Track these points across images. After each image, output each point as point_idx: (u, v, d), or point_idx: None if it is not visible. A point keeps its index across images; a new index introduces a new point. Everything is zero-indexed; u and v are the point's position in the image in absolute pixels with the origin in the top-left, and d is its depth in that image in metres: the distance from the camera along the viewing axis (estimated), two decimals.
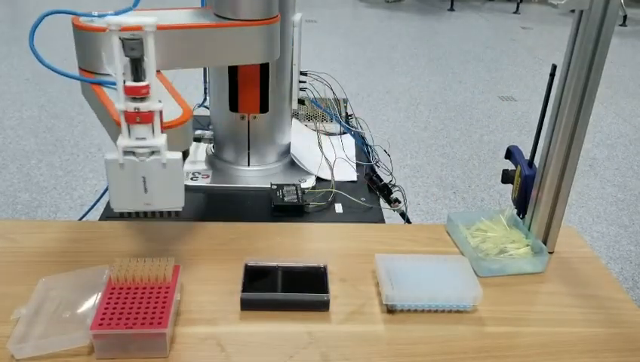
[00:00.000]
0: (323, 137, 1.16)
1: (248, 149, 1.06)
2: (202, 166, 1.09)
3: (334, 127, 1.25)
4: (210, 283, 0.77)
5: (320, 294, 0.73)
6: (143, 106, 0.59)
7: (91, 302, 0.70)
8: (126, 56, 0.58)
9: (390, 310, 0.74)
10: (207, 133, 1.16)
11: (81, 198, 2.03)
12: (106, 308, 0.66)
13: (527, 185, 0.89)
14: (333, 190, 1.02)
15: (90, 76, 0.80)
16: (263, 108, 1.02)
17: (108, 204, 0.99)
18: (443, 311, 0.75)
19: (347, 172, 1.10)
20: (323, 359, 0.67)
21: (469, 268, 0.79)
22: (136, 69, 0.59)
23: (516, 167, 0.92)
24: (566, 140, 0.80)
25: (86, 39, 0.79)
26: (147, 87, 0.59)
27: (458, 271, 0.78)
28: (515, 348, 0.70)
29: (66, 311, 0.69)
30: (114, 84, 0.71)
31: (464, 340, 0.71)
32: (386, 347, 0.69)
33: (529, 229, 0.88)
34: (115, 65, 0.58)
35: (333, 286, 0.76)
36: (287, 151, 1.12)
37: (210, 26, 0.86)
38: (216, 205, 1.01)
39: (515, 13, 5.14)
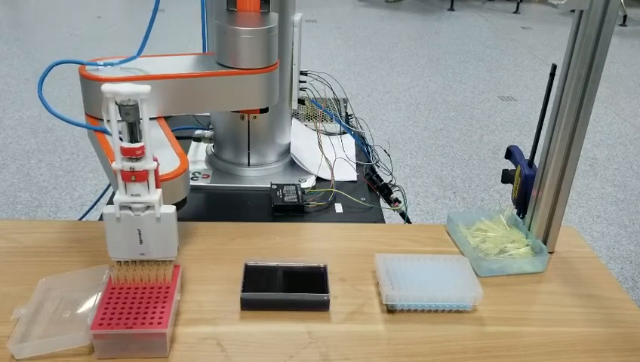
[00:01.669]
0: (323, 137, 1.16)
1: (248, 149, 1.06)
2: (202, 166, 1.09)
3: (334, 127, 1.25)
4: (210, 283, 0.77)
5: (320, 294, 0.73)
6: (138, 166, 0.63)
7: (91, 302, 0.70)
8: (122, 120, 0.62)
9: (390, 310, 0.74)
10: (207, 133, 1.16)
11: (81, 198, 2.03)
12: (106, 308, 0.66)
13: (527, 185, 0.89)
14: (333, 190, 1.02)
15: (96, 122, 0.84)
16: (263, 108, 1.02)
17: (108, 203, 0.99)
18: (443, 311, 0.75)
19: (347, 172, 1.10)
20: (323, 359, 0.67)
21: (469, 268, 0.79)
22: (132, 130, 0.63)
23: (516, 166, 0.92)
24: (566, 140, 0.80)
25: (91, 87, 0.83)
26: (142, 148, 0.63)
27: (458, 271, 0.78)
28: (515, 348, 0.70)
29: (66, 311, 0.69)
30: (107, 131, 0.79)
31: (464, 340, 0.71)
32: (386, 347, 0.69)
33: (529, 229, 0.88)
34: (112, 128, 0.61)
35: (333, 286, 0.76)
36: (287, 151, 1.12)
37: (211, 74, 0.88)
38: (216, 205, 1.01)
39: (515, 13, 5.14)
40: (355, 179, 1.09)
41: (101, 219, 0.95)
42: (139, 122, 0.62)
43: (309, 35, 4.04)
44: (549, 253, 0.86)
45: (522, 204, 0.90)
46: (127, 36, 3.90)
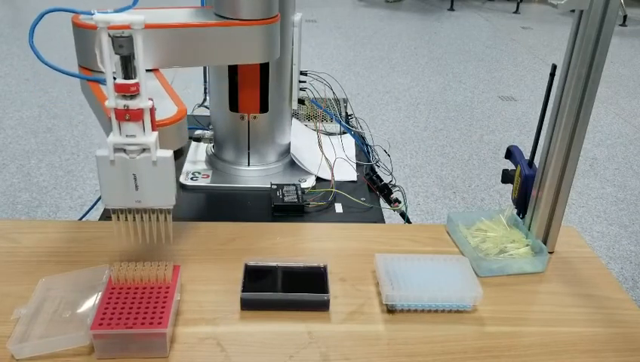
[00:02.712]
0: (323, 137, 1.16)
1: (248, 149, 1.06)
2: (202, 166, 1.09)
3: (334, 127, 1.25)
4: (210, 283, 0.77)
5: (320, 294, 0.73)
6: (133, 104, 0.60)
7: (91, 302, 0.70)
8: (115, 53, 0.59)
9: (390, 310, 0.74)
10: (207, 133, 1.16)
11: (81, 198, 2.03)
12: (106, 308, 0.66)
13: (527, 185, 0.89)
14: (333, 190, 1.02)
15: (89, 74, 0.80)
16: (263, 108, 1.02)
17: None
18: (443, 311, 0.75)
19: (347, 172, 1.10)
20: (323, 359, 0.67)
21: (469, 268, 0.79)
22: (126, 66, 0.60)
23: (516, 166, 0.92)
24: (566, 140, 0.80)
25: (84, 37, 0.79)
26: (136, 84, 0.60)
27: (458, 271, 0.78)
28: (515, 348, 0.70)
29: (66, 311, 0.69)
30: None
31: (464, 340, 0.71)
32: (386, 347, 0.69)
33: (529, 229, 0.88)
34: (105, 62, 0.58)
35: (333, 286, 0.76)
36: (287, 151, 1.12)
37: (209, 25, 0.86)
38: (217, 205, 1.01)
39: (515, 13, 5.14)
40: (355, 179, 1.09)
41: (101, 219, 0.95)
42: (133, 57, 0.59)
43: (309, 35, 4.04)
44: (549, 253, 0.86)
45: (522, 204, 0.90)
46: None
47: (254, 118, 1.03)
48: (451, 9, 5.11)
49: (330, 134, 1.22)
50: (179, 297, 0.73)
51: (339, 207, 1.01)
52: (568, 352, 0.70)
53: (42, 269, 0.76)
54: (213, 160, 1.10)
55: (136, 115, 0.61)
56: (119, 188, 0.64)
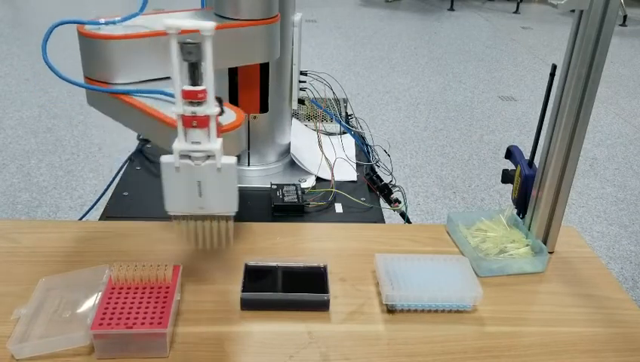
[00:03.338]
0: (323, 137, 1.16)
1: (248, 149, 1.06)
2: None
3: (334, 127, 1.25)
4: (210, 283, 0.77)
5: (320, 294, 0.73)
6: (200, 110, 0.60)
7: (91, 302, 0.70)
8: (183, 60, 0.58)
9: (390, 310, 0.74)
10: None
11: (81, 198, 2.03)
12: (106, 308, 0.66)
13: (527, 185, 0.89)
14: (333, 190, 1.02)
15: (96, 84, 0.78)
16: (263, 108, 1.02)
17: (108, 203, 0.99)
18: (443, 311, 0.75)
19: (347, 172, 1.10)
20: (323, 359, 0.67)
21: (469, 268, 0.79)
22: (193, 72, 0.59)
23: (516, 166, 0.92)
24: (566, 140, 0.80)
25: (93, 47, 0.77)
26: (204, 91, 0.59)
27: (458, 271, 0.78)
28: (515, 348, 0.70)
29: (66, 311, 0.69)
30: (148, 92, 0.73)
31: (464, 340, 0.71)
32: (386, 347, 0.69)
33: (529, 229, 0.88)
34: (173, 68, 0.58)
35: (333, 286, 0.76)
36: (287, 151, 1.12)
37: (224, 26, 0.84)
38: None
39: (515, 13, 5.14)
40: (355, 179, 1.09)
41: (101, 218, 0.95)
42: (200, 64, 0.59)
43: (309, 35, 4.04)
44: (549, 253, 0.86)
45: (522, 204, 0.90)
46: None
47: (254, 118, 1.03)
48: (451, 9, 5.11)
49: (330, 134, 1.22)
50: (179, 297, 0.73)
51: (339, 207, 1.01)
52: (568, 352, 0.70)
53: (42, 269, 0.76)
54: None
55: (203, 122, 0.60)
56: (183, 195, 0.64)
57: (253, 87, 1.00)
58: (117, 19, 0.79)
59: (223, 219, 0.68)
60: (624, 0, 4.66)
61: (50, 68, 0.75)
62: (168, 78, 0.80)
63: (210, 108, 0.60)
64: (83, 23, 0.77)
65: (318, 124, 1.24)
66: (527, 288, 0.81)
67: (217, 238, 0.69)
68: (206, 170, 0.62)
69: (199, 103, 0.60)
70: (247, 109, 1.02)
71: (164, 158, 0.62)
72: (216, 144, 0.62)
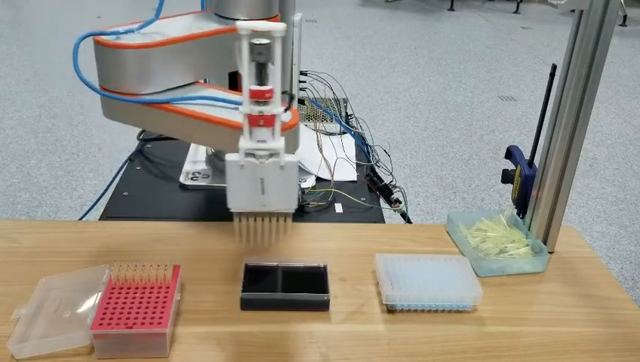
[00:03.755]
0: (323, 137, 1.16)
1: None
2: (202, 166, 1.09)
3: (334, 127, 1.25)
4: (210, 283, 0.77)
5: (320, 294, 0.73)
6: (267, 110, 0.61)
7: (91, 302, 0.70)
8: (252, 60, 0.59)
9: (390, 310, 0.74)
10: None
11: (81, 198, 2.03)
12: (106, 308, 0.66)
13: (527, 185, 0.89)
14: (333, 190, 1.02)
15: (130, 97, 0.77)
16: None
17: (108, 203, 0.99)
18: (443, 311, 0.75)
19: (347, 172, 1.10)
20: (323, 359, 0.67)
21: (469, 268, 0.79)
22: (261, 72, 0.60)
23: (516, 166, 0.92)
24: (566, 140, 0.80)
25: (112, 56, 0.75)
26: (271, 91, 0.60)
27: (458, 271, 0.78)
28: (515, 348, 0.70)
29: (66, 311, 0.69)
30: (190, 99, 0.74)
31: (464, 340, 0.71)
32: (386, 347, 0.69)
33: (529, 229, 0.88)
34: (243, 68, 0.59)
35: (333, 286, 0.76)
36: None
37: (225, 30, 0.84)
38: (217, 205, 1.01)
39: (515, 13, 5.14)
40: (355, 179, 1.09)
41: (101, 218, 0.95)
42: (267, 64, 0.60)
43: (309, 35, 4.04)
44: (549, 253, 0.86)
45: (522, 204, 0.90)
46: None
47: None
48: (451, 9, 5.11)
49: (330, 134, 1.22)
50: (179, 297, 0.73)
51: (339, 207, 1.01)
52: (568, 352, 0.70)
53: (42, 269, 0.76)
54: (213, 160, 1.10)
55: (269, 121, 0.61)
56: (245, 192, 0.65)
57: None
58: (135, 26, 0.77)
59: (282, 216, 0.69)
60: (624, 0, 4.66)
61: (86, 83, 0.75)
62: (190, 84, 0.80)
63: (277, 107, 0.61)
64: (105, 34, 0.76)
65: (318, 124, 1.24)
66: (527, 288, 0.81)
67: (275, 234, 0.70)
68: (269, 167, 0.63)
69: (265, 103, 0.61)
70: None
71: (229, 156, 0.63)
72: (280, 142, 0.63)
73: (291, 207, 0.67)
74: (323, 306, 0.74)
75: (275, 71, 0.60)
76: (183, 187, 1.03)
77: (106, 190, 1.08)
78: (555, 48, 4.16)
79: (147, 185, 1.04)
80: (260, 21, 0.58)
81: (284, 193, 0.65)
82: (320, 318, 0.73)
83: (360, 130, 1.24)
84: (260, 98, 0.60)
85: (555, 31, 4.64)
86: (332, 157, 1.10)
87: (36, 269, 0.77)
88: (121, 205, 0.98)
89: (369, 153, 1.17)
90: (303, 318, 0.72)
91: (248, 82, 0.60)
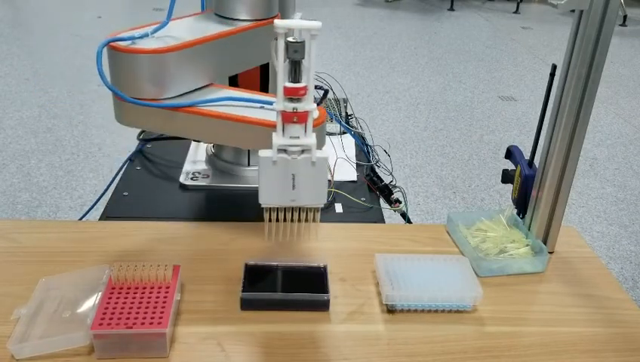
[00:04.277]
0: None
1: (248, 149, 1.06)
2: (202, 166, 1.09)
3: (334, 127, 1.25)
4: (210, 283, 0.77)
5: (320, 294, 0.73)
6: (300, 107, 0.62)
7: (91, 302, 0.70)
8: (288, 57, 0.60)
9: (390, 310, 0.74)
10: None
11: (81, 198, 2.03)
12: (106, 308, 0.66)
13: (527, 185, 0.89)
14: (333, 190, 1.02)
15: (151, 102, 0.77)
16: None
17: (108, 203, 0.99)
18: (443, 311, 0.75)
19: (347, 172, 1.10)
20: (323, 359, 0.67)
21: (469, 268, 0.79)
22: (295, 70, 0.61)
23: (516, 166, 0.92)
24: (566, 140, 0.80)
25: (128, 62, 0.74)
26: (305, 88, 0.61)
27: (458, 271, 0.78)
28: (515, 348, 0.70)
29: (66, 311, 0.69)
30: (215, 100, 0.75)
31: (464, 340, 0.71)
32: (386, 347, 0.69)
33: (529, 229, 0.88)
34: (279, 66, 0.60)
35: (333, 286, 0.76)
36: None
37: (244, 29, 0.84)
38: (217, 205, 1.01)
39: (515, 13, 5.14)
40: (355, 179, 1.09)
41: (101, 218, 0.95)
42: (302, 62, 0.61)
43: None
44: (549, 253, 0.86)
45: (522, 204, 0.90)
46: None
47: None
48: (451, 9, 5.10)
49: (330, 134, 1.22)
50: (179, 297, 0.73)
51: (339, 207, 1.01)
52: (568, 352, 0.70)
53: (42, 269, 0.76)
54: (213, 160, 1.10)
55: (302, 117, 0.62)
56: (277, 187, 0.66)
57: (253, 87, 1.00)
58: (149, 30, 0.77)
59: (311, 211, 0.70)
60: (624, 0, 4.65)
61: (112, 89, 0.75)
62: (206, 86, 0.81)
63: (309, 104, 0.62)
64: (122, 40, 0.75)
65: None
66: (527, 288, 0.81)
67: (304, 229, 0.71)
68: (301, 163, 0.64)
69: (299, 100, 0.62)
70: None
71: (263, 153, 0.64)
72: (312, 138, 0.64)
73: (321, 202, 0.68)
74: (323, 306, 0.74)
75: (308, 68, 0.61)
76: (183, 187, 1.03)
77: (106, 190, 1.08)
78: (555, 48, 4.16)
79: (147, 185, 1.04)
80: (296, 20, 0.58)
81: (315, 188, 0.67)
82: (320, 318, 0.73)
83: (360, 130, 1.24)
84: (294, 95, 0.61)
85: (555, 31, 4.64)
86: (332, 158, 1.10)
87: (36, 269, 0.77)
88: (121, 205, 0.98)
89: (369, 153, 1.17)
90: (303, 318, 0.72)
91: (283, 79, 0.61)
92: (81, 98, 2.81)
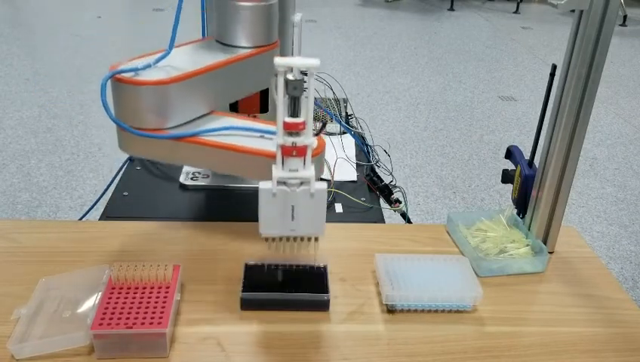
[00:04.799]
0: (323, 137, 1.16)
1: None
2: None
3: (334, 127, 1.25)
4: (210, 283, 0.77)
5: (320, 294, 0.73)
6: (299, 141, 0.63)
7: (91, 301, 0.70)
8: (287, 94, 0.62)
9: (390, 310, 0.74)
10: None
11: (81, 198, 2.03)
12: (106, 308, 0.66)
13: (527, 185, 0.89)
14: (334, 190, 1.02)
15: (155, 132, 0.77)
16: (263, 108, 1.02)
17: (108, 203, 0.99)
18: (443, 311, 0.75)
19: (347, 172, 1.10)
20: (323, 359, 0.67)
21: (469, 268, 0.79)
22: (294, 105, 0.63)
23: (516, 166, 0.92)
24: (566, 140, 0.80)
25: (132, 94, 0.74)
26: (304, 123, 0.63)
27: (458, 271, 0.78)
28: (515, 348, 0.70)
29: (66, 311, 0.69)
30: (218, 130, 0.76)
31: (464, 340, 0.71)
32: (386, 347, 0.69)
33: (529, 229, 0.88)
34: (279, 102, 0.62)
35: (333, 286, 0.76)
36: None
37: (244, 56, 0.85)
38: (216, 205, 1.01)
39: (515, 13, 5.14)
40: (355, 179, 1.09)
41: (101, 218, 0.95)
42: (300, 98, 0.63)
43: (309, 35, 4.04)
44: (549, 253, 0.86)
45: (522, 204, 0.90)
46: (127, 36, 3.90)
47: (254, 118, 1.03)
48: (451, 9, 5.11)
49: (330, 134, 1.22)
50: (179, 297, 0.73)
51: (339, 207, 1.01)
52: (568, 352, 0.70)
53: (42, 269, 0.76)
54: None
55: (301, 151, 0.64)
56: (277, 218, 0.67)
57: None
58: (151, 60, 0.77)
59: (310, 240, 0.72)
60: (624, 0, 4.66)
61: (117, 123, 0.75)
62: (206, 114, 0.82)
63: (308, 138, 0.64)
64: (125, 71, 0.75)
65: (318, 124, 1.24)
66: (527, 288, 0.81)
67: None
68: (300, 195, 0.66)
69: (298, 134, 0.63)
70: (248, 110, 1.02)
71: (263, 185, 0.66)
72: (310, 171, 0.66)
73: (320, 232, 0.70)
74: (323, 306, 0.74)
75: (307, 103, 0.63)
76: (183, 187, 1.03)
77: (106, 190, 1.08)
78: (555, 48, 4.16)
79: (147, 185, 1.04)
80: (296, 57, 0.61)
81: (314, 219, 0.68)
82: (320, 318, 0.73)
83: (360, 130, 1.24)
84: (293, 130, 0.63)
85: (555, 31, 4.64)
86: (332, 158, 1.10)
87: (36, 269, 0.77)
88: (121, 205, 0.98)
89: (369, 153, 1.17)
90: (303, 318, 0.72)
91: (283, 114, 0.62)
92: (81, 98, 2.81)
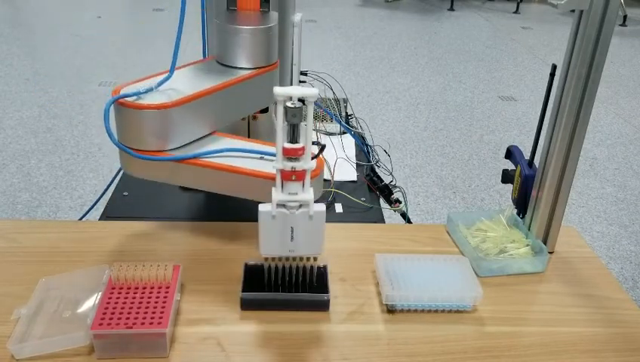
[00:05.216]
0: (323, 137, 1.16)
1: None
2: None
3: (334, 127, 1.25)
4: (210, 283, 0.77)
5: (320, 294, 0.73)
6: (298, 165, 0.65)
7: (91, 301, 0.70)
8: (286, 121, 0.64)
9: (390, 310, 0.74)
10: None
11: (81, 198, 2.03)
12: (106, 308, 0.66)
13: (527, 185, 0.89)
14: (334, 190, 1.02)
15: (157, 154, 0.78)
16: (263, 108, 1.02)
17: (108, 203, 0.99)
18: (443, 311, 0.75)
19: (347, 172, 1.10)
20: (323, 359, 0.67)
21: (469, 268, 0.79)
22: (294, 132, 0.65)
23: (516, 166, 0.92)
24: (566, 140, 0.80)
25: (136, 117, 0.76)
26: (302, 148, 0.65)
27: (458, 271, 0.78)
28: (515, 348, 0.70)
29: (66, 311, 0.69)
30: (220, 151, 0.78)
31: (464, 340, 0.71)
32: (385, 347, 0.69)
33: (529, 229, 0.88)
34: (278, 129, 0.64)
35: (334, 286, 0.76)
36: None
37: (243, 78, 0.86)
38: (217, 205, 1.01)
39: (515, 13, 5.14)
40: (355, 179, 1.09)
41: (101, 218, 0.95)
42: (299, 124, 0.65)
43: (309, 35, 4.04)
44: (549, 253, 0.86)
45: (522, 204, 0.90)
46: (127, 36, 3.90)
47: (254, 118, 1.03)
48: (451, 9, 5.11)
49: (330, 134, 1.22)
50: (179, 297, 0.73)
51: (339, 207, 1.01)
52: (568, 352, 0.70)
53: (42, 269, 0.76)
54: None
55: (300, 175, 0.66)
56: (276, 239, 0.69)
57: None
58: (153, 84, 0.78)
59: (309, 260, 0.74)
60: (624, 0, 4.65)
61: (119, 146, 0.78)
62: (207, 135, 0.83)
63: (307, 162, 0.66)
64: (128, 96, 0.76)
65: (318, 124, 1.24)
66: (527, 288, 0.81)
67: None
68: (299, 217, 0.68)
69: (297, 159, 0.65)
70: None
71: (262, 207, 0.68)
72: (309, 194, 0.68)
73: (318, 252, 0.72)
74: (323, 306, 0.74)
75: (306, 129, 0.64)
76: (183, 187, 1.03)
77: (105, 190, 1.08)
78: (555, 48, 4.16)
79: (147, 185, 1.04)
80: (294, 87, 0.63)
81: (312, 240, 0.70)
82: (320, 318, 0.73)
83: (360, 130, 1.24)
84: (292, 155, 0.65)
85: (555, 31, 4.64)
86: (332, 158, 1.10)
87: (36, 269, 0.77)
88: (121, 205, 0.98)
89: (369, 153, 1.17)
90: (303, 318, 0.72)
91: (282, 140, 0.64)
92: (81, 98, 2.81)
